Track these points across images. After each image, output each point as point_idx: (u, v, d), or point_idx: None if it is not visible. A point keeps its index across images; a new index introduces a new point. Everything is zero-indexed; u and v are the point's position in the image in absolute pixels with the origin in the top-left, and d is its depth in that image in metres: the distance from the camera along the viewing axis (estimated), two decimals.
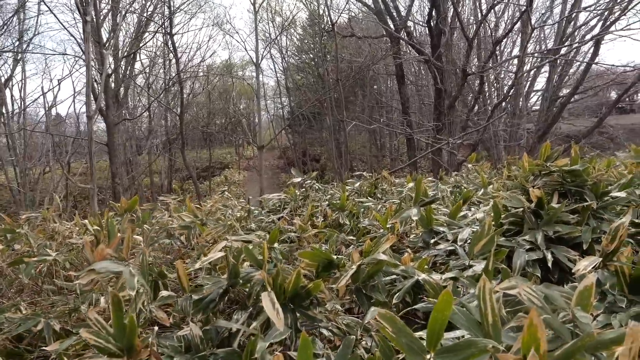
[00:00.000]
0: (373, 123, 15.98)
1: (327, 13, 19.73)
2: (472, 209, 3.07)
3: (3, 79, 18.18)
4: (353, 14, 20.86)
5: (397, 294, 1.77)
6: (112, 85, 15.28)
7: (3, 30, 16.12)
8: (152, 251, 3.14)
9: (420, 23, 16.89)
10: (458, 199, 3.35)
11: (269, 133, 28.52)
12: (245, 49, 34.67)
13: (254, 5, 20.77)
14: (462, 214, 2.74)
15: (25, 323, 2.00)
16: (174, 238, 3.43)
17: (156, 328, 1.56)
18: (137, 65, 21.90)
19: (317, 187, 4.97)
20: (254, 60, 21.08)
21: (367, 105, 25.13)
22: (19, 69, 19.33)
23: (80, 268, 2.94)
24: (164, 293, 1.82)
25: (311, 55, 29.54)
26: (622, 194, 2.29)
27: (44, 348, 1.85)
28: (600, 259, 1.69)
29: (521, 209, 2.26)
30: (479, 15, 14.57)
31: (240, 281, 1.78)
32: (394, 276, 1.99)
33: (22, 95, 20.28)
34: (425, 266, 1.98)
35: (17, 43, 17.65)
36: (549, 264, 1.95)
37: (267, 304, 1.48)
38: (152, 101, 20.79)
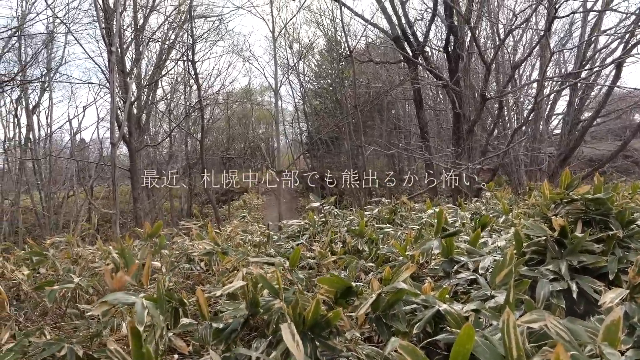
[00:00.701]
0: (391, 148, 15.98)
1: (344, 39, 20.00)
2: (493, 235, 3.03)
3: (31, 106, 18.71)
4: (370, 40, 21.11)
5: (418, 324, 1.75)
6: (135, 111, 15.62)
7: (32, 61, 16.66)
8: (172, 276, 3.16)
9: (438, 48, 16.98)
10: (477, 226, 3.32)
11: (287, 158, 28.73)
12: (265, 76, 35.41)
13: (273, 33, 21.17)
14: (482, 240, 2.71)
15: (50, 348, 2.02)
16: (193, 263, 3.46)
17: (176, 356, 1.57)
18: (159, 92, 22.39)
19: (335, 213, 4.97)
20: (273, 86, 21.41)
21: (385, 130, 25.19)
22: (46, 96, 19.87)
23: (102, 293, 2.97)
24: (184, 320, 1.82)
25: (329, 81, 29.89)
26: None
27: None
28: (628, 291, 1.65)
29: (544, 237, 2.22)
30: (497, 39, 14.62)
31: (261, 310, 1.78)
32: (414, 305, 1.96)
33: (49, 121, 20.84)
34: (446, 295, 1.95)
35: (45, 72, 18.20)
36: (574, 295, 1.91)
37: (287, 336, 1.47)
38: (173, 127, 21.17)
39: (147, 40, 16.50)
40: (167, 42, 17.45)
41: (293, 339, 1.46)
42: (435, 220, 3.25)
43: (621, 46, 11.93)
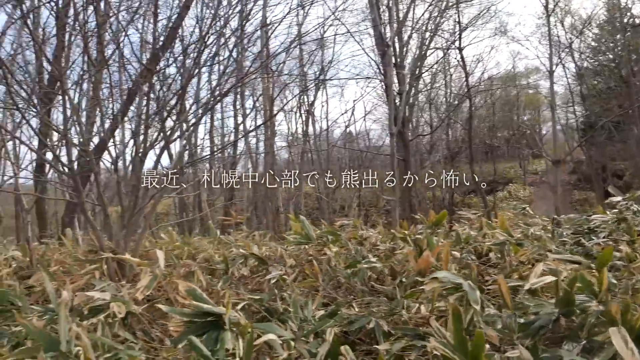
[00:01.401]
0: None
1: (635, 3, 17.13)
2: None
3: (307, 104, 21.31)
4: None
5: None
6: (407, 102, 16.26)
7: (309, 61, 18.99)
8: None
9: None
10: None
11: (557, 146, 26.22)
12: (537, 56, 32.62)
13: (546, 7, 19.37)
14: None
15: (360, 320, 2.26)
16: (474, 253, 3.43)
17: (487, 346, 1.57)
18: (420, 82, 22.78)
19: (635, 209, 4.31)
20: (546, 67, 19.66)
21: None
22: (320, 93, 22.28)
23: (392, 274, 3.19)
24: (490, 310, 1.83)
25: (611, 56, 25.95)
26: None
27: (377, 346, 2.04)
28: None
29: None
30: None
31: (577, 311, 1.66)
32: None
33: (325, 116, 23.42)
34: None
35: (319, 71, 20.46)
36: None
37: (618, 341, 1.33)
38: (446, 115, 21.39)
39: (410, 32, 16.94)
40: (430, 32, 17.59)
41: (626, 345, 1.32)
42: None
43: None
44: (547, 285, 2.04)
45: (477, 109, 26.88)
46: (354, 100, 36.29)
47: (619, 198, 4.22)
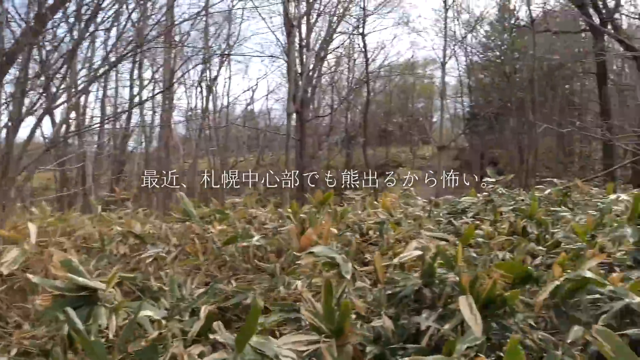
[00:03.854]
0: (565, 126, 14.58)
1: (521, 7, 18.63)
2: None
3: (209, 79, 20.75)
4: (550, 7, 19.29)
5: (604, 317, 1.63)
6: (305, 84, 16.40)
7: (214, 35, 18.40)
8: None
9: (631, 15, 14.94)
10: None
11: (446, 133, 27.89)
12: (433, 48, 34.51)
13: (445, 2, 20.43)
14: None
15: (237, 295, 2.29)
16: (356, 231, 3.58)
17: (354, 315, 1.68)
18: (324, 65, 23.10)
19: (500, 192, 4.74)
20: (439, 59, 20.78)
21: (556, 107, 23.00)
22: (223, 69, 21.79)
23: (276, 251, 3.25)
24: (359, 283, 1.94)
25: (497, 53, 28.02)
26: None
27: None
28: None
29: None
30: None
31: (436, 281, 1.81)
32: (597, 296, 1.83)
33: (227, 92, 22.95)
34: (638, 290, 1.78)
35: (225, 47, 19.96)
36: None
37: (465, 309, 1.48)
38: (342, 100, 21.82)
39: (317, 15, 17.09)
40: (337, 16, 17.87)
41: (471, 311, 1.47)
42: (618, 207, 2.94)
43: None
44: (418, 260, 2.20)
45: (376, 94, 27.80)
46: (258, 79, 35.84)
47: (491, 180, 4.62)
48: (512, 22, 23.55)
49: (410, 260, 2.29)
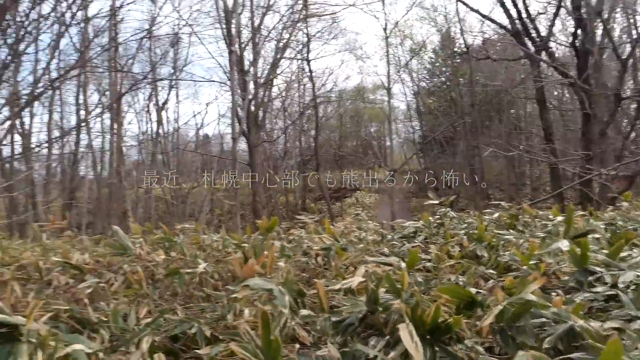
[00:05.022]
0: (511, 150, 15.13)
1: (459, 36, 19.40)
2: (635, 250, 2.74)
3: (160, 103, 20.50)
4: (488, 36, 20.17)
5: (549, 339, 1.64)
6: (253, 109, 16.40)
7: (162, 60, 18.34)
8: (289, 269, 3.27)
9: (564, 44, 15.79)
10: (615, 238, 3.01)
11: (399, 157, 28.45)
12: (377, 74, 35.26)
13: (385, 30, 20.97)
14: (623, 254, 2.47)
15: (182, 325, 2.19)
16: (309, 257, 3.54)
17: (297, 346, 1.63)
18: (274, 90, 23.23)
19: (451, 215, 4.82)
20: (385, 84, 21.24)
21: (503, 131, 23.93)
22: (173, 93, 21.63)
23: (225, 279, 3.16)
24: (303, 312, 1.89)
25: (443, 79, 29.00)
26: None
27: (197, 351, 2.00)
28: None
29: None
30: (635, 32, 13.30)
31: (380, 308, 1.78)
32: (543, 319, 1.85)
33: (177, 117, 22.69)
34: (580, 312, 1.81)
35: (172, 71, 19.85)
36: None
37: (405, 336, 1.46)
38: (289, 124, 21.93)
39: (263, 40, 17.21)
40: (283, 41, 18.06)
41: (412, 339, 1.45)
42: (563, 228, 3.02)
43: None
44: (365, 286, 2.18)
45: (328, 119, 28.13)
46: (207, 103, 35.79)
47: (435, 202, 4.68)
48: (452, 50, 24.48)
49: (358, 286, 2.26)
